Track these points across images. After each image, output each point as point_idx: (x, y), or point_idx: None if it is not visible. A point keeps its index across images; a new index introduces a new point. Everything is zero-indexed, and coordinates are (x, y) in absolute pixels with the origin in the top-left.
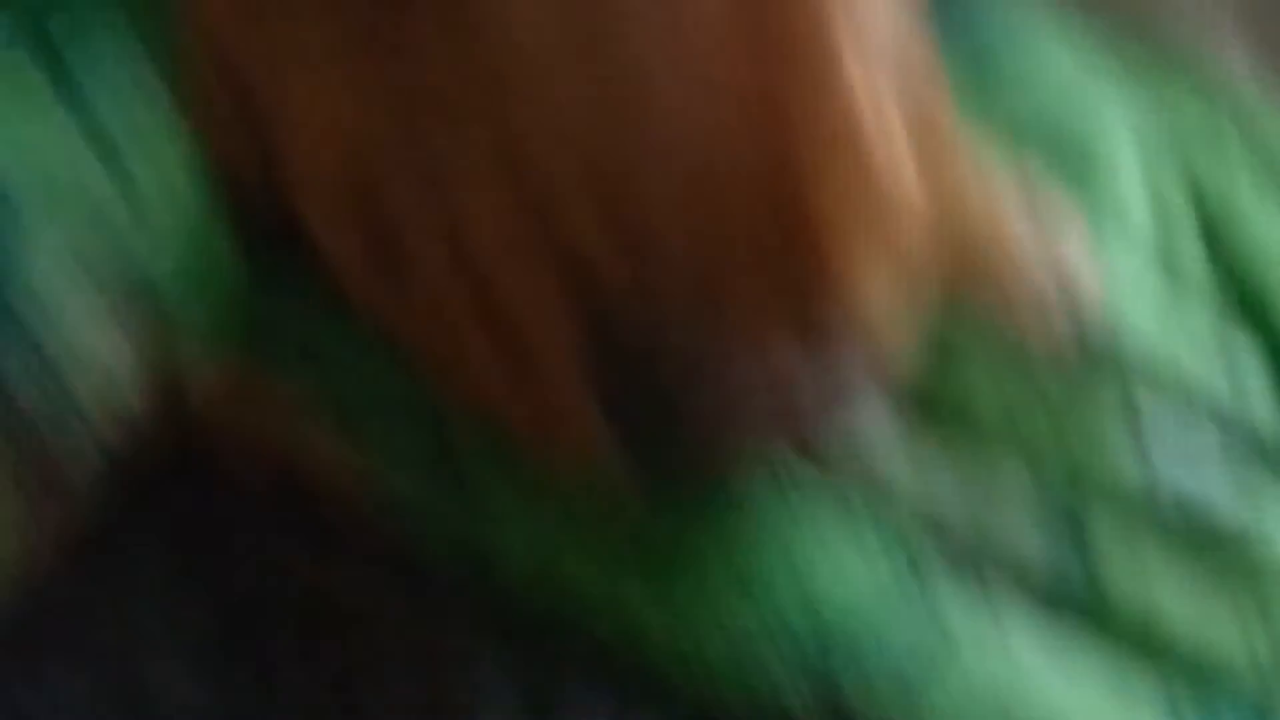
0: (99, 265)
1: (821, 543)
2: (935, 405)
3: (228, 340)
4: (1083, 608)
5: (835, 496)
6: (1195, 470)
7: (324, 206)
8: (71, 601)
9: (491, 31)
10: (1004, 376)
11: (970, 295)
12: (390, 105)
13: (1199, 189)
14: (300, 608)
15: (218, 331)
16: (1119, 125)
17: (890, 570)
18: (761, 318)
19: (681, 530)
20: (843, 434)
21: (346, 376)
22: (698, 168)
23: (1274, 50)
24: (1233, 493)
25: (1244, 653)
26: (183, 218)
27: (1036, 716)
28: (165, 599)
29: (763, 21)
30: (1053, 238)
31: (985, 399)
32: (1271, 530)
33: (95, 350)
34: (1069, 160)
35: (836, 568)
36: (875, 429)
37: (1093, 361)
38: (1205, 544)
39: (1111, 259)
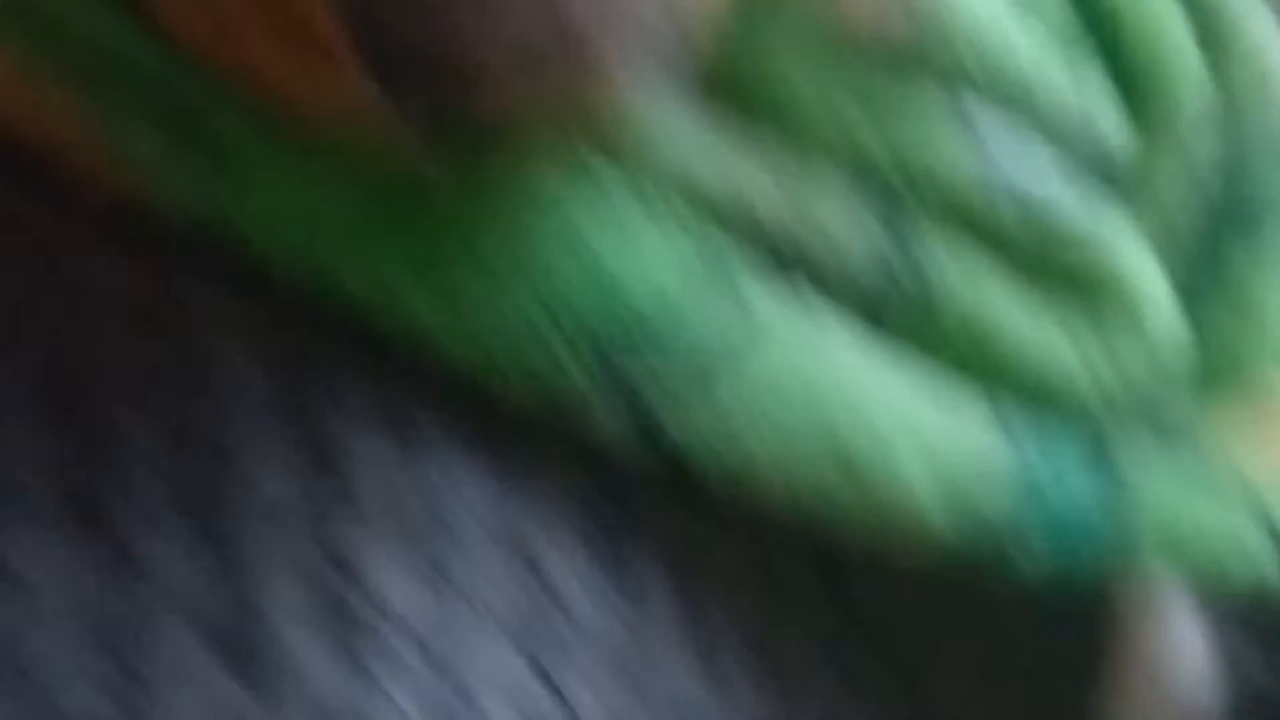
0: None
1: (613, 228)
2: (741, 88)
3: None
4: (905, 310)
5: (629, 182)
6: (1035, 174)
7: None
8: None
9: None
10: (821, 59)
11: None
12: None
13: None
14: (25, 265)
15: None
16: None
17: (689, 258)
18: None
19: (457, 210)
20: (634, 103)
21: (76, 30)
22: None
23: None
24: (1075, 201)
25: (1081, 372)
26: None
27: (846, 417)
28: None
29: None
30: None
31: (799, 82)
32: (1116, 245)
33: None
34: None
35: (629, 253)
36: (670, 108)
37: (924, 49)
38: (1044, 249)
39: None
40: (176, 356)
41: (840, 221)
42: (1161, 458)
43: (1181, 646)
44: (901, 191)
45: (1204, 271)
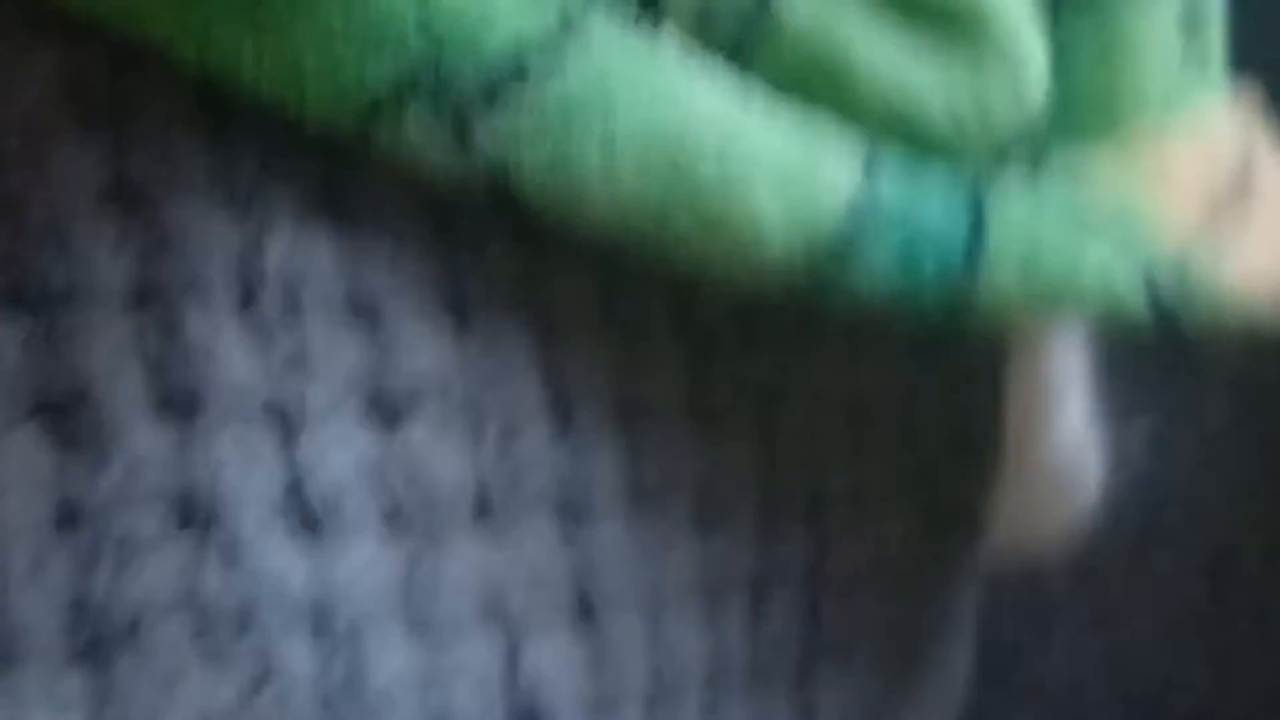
0: None
1: None
2: None
3: None
4: (760, 49)
5: None
6: None
7: None
8: None
9: None
10: None
11: None
12: None
13: None
14: None
15: None
16: None
17: None
18: None
19: None
20: None
21: None
22: None
23: None
24: None
25: (944, 107)
26: None
27: (679, 130)
28: None
29: None
30: None
31: None
32: None
33: None
34: None
35: None
36: None
37: None
38: None
39: None
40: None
41: None
42: (1026, 191)
43: (1063, 401)
44: None
45: (1076, 7)
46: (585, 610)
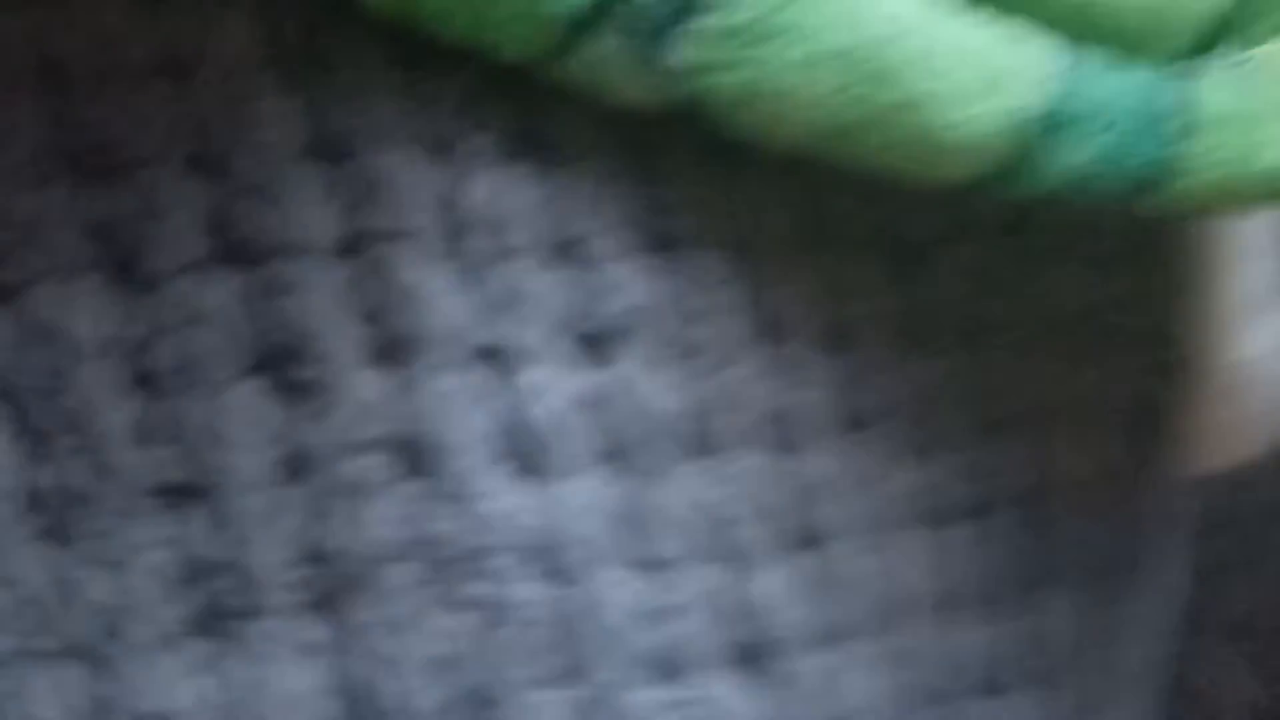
0: None
1: None
2: None
3: None
4: None
5: None
6: None
7: None
8: None
9: None
10: None
11: None
12: None
13: None
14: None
15: None
16: None
17: None
18: None
19: None
20: None
21: None
22: None
23: None
24: None
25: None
26: None
27: (873, 32)
28: None
29: None
30: None
31: None
32: None
33: None
34: None
35: None
36: None
37: None
38: None
39: None
40: (208, 97)
41: None
42: (1231, 80)
43: (1255, 312)
44: None
45: None
46: (808, 540)
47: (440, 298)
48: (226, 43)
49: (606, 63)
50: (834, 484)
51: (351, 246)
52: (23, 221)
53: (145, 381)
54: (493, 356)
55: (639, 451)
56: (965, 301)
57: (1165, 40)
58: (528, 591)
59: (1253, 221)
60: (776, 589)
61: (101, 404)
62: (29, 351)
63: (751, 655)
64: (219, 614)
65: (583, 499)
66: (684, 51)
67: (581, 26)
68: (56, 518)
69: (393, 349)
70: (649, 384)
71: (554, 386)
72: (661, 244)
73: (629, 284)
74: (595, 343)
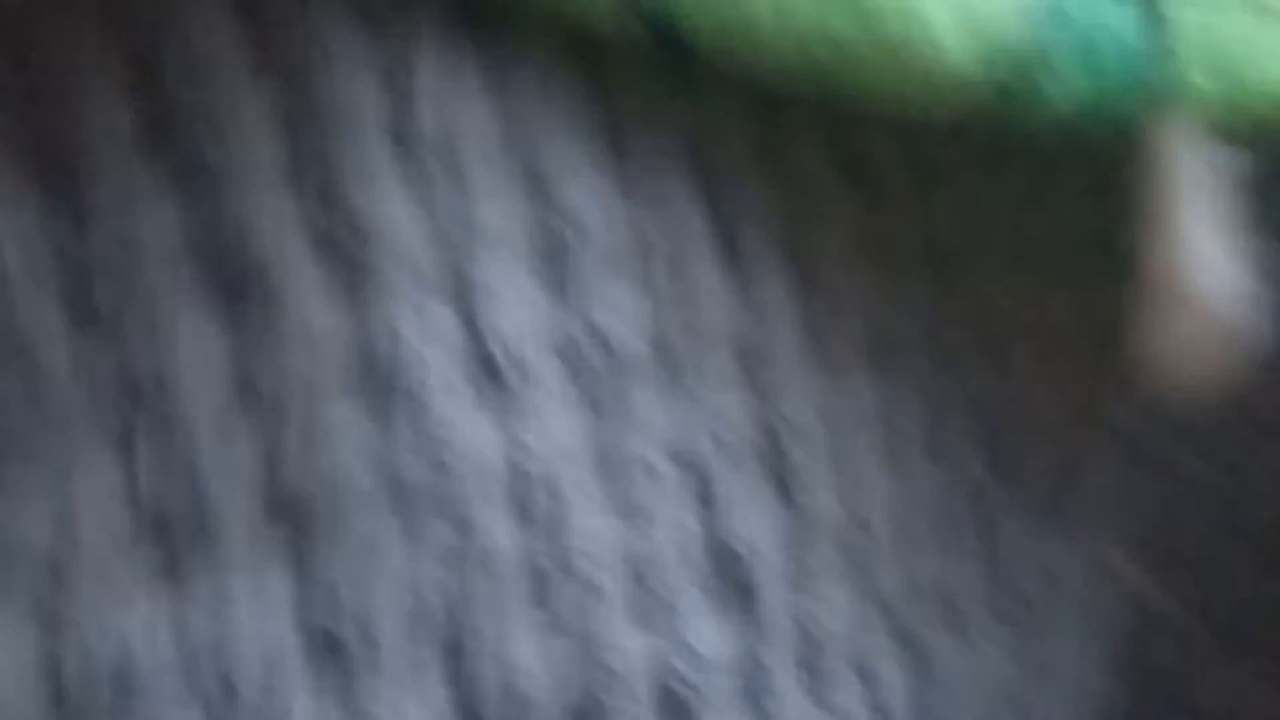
0: None
1: None
2: None
3: None
4: None
5: None
6: None
7: None
8: None
9: None
10: None
11: None
12: None
13: None
14: None
15: None
16: None
17: None
18: None
19: None
20: None
21: None
22: None
23: None
24: None
25: None
26: None
27: None
28: None
29: None
30: None
31: None
32: None
33: None
34: None
35: None
36: None
37: None
38: None
39: None
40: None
41: None
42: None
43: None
44: None
45: None
46: (775, 454)
47: (394, 222)
48: None
49: None
50: (797, 397)
51: (301, 170)
52: None
53: (87, 315)
54: (452, 276)
55: (604, 371)
56: (928, 226)
57: None
58: (495, 520)
59: (1218, 147)
60: (745, 503)
61: (42, 338)
62: None
63: (724, 571)
64: (176, 558)
65: (549, 424)
66: None
67: None
68: None
69: (347, 277)
70: (611, 300)
71: (516, 306)
72: (618, 162)
73: (586, 204)
74: (554, 258)
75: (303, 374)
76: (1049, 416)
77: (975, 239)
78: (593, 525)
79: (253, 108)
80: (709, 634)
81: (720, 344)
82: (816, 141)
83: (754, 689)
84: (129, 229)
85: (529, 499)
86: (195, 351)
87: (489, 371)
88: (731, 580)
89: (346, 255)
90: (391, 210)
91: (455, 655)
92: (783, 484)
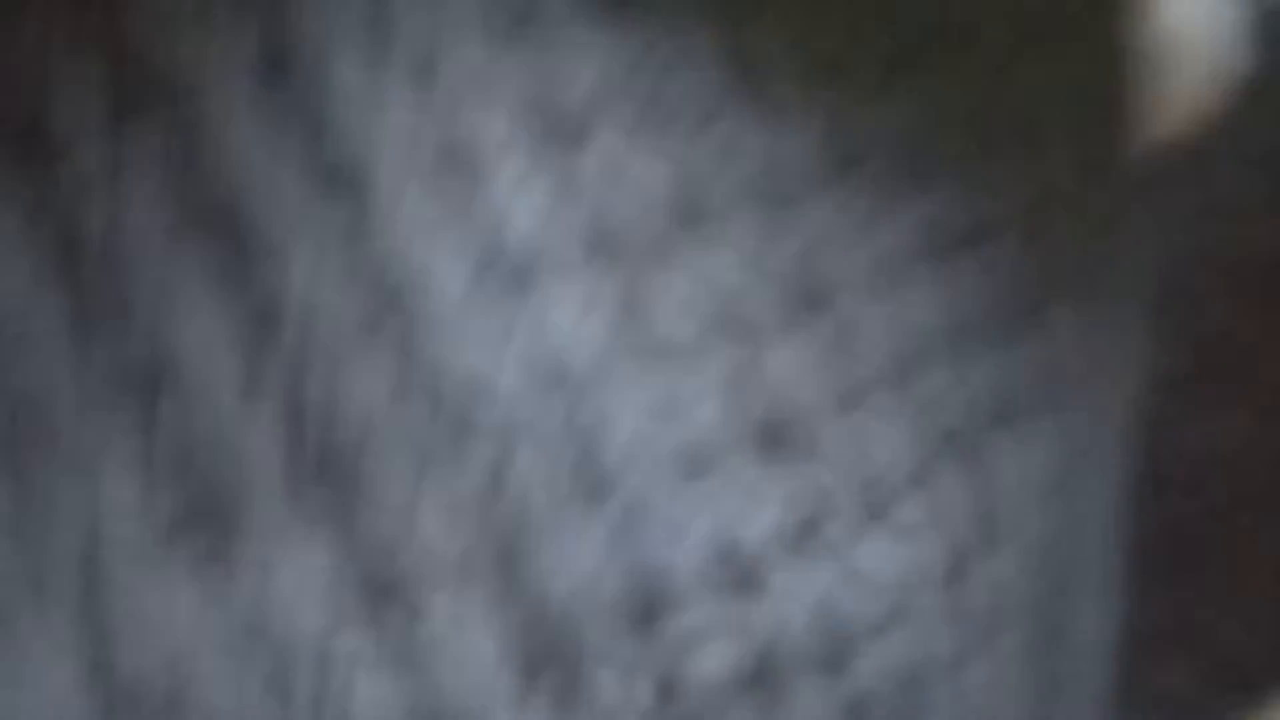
0: None
1: None
2: None
3: None
4: None
5: None
6: None
7: None
8: None
9: None
10: None
11: None
12: None
13: None
14: None
15: None
16: None
17: None
18: None
19: None
20: None
21: None
22: None
23: None
24: None
25: None
26: None
27: None
28: None
29: None
30: None
31: None
32: None
33: None
34: None
35: None
36: None
37: None
38: None
39: None
40: None
41: None
42: None
43: None
44: None
45: None
46: (815, 298)
47: (382, 101)
48: None
49: None
50: (834, 233)
51: (276, 64)
52: None
53: (75, 262)
54: (454, 161)
55: (628, 236)
56: (944, 22)
57: None
58: (531, 421)
59: None
60: (789, 357)
61: (29, 294)
62: None
63: (774, 434)
64: (213, 540)
65: (576, 306)
66: None
67: None
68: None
69: (339, 174)
70: (628, 160)
71: (528, 185)
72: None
73: (590, 50)
74: (563, 125)
75: (307, 294)
76: (1081, 195)
77: (991, 25)
78: (635, 404)
79: (236, 57)
80: (762, 480)
81: (746, 181)
82: None
83: (814, 526)
84: (106, 154)
85: (563, 392)
86: (192, 281)
87: (505, 261)
88: (777, 422)
89: (332, 147)
90: (376, 87)
91: (509, 578)
92: (823, 309)
